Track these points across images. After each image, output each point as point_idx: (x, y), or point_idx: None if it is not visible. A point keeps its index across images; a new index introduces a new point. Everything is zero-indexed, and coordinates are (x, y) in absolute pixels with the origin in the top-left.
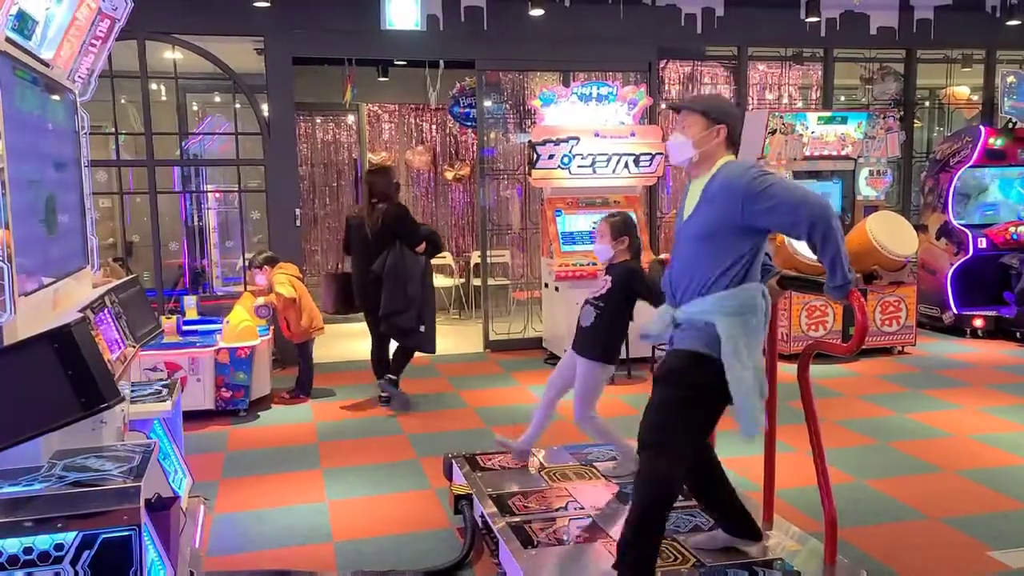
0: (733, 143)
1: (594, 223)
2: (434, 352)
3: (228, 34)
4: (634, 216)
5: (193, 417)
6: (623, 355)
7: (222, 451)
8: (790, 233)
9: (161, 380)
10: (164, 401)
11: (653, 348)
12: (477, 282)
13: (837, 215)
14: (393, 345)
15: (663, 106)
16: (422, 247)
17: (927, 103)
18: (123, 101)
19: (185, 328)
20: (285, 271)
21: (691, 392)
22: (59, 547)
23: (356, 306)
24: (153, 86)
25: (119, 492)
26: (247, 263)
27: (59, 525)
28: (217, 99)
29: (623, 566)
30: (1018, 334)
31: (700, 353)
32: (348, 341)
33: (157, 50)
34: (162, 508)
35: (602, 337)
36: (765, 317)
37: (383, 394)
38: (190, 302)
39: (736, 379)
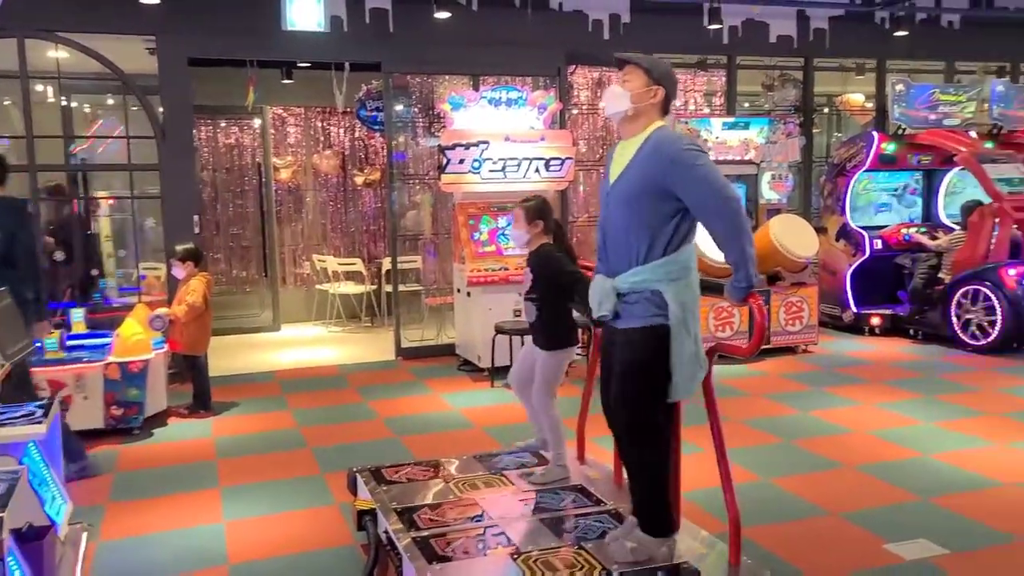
0: (666, 110)
1: (503, 231)
2: None
3: (116, 32)
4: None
5: (82, 437)
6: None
7: (111, 472)
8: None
9: (37, 400)
10: (39, 423)
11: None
12: (389, 288)
13: (748, 220)
14: None
15: (574, 111)
16: None
17: (825, 109)
18: (6, 103)
19: (71, 343)
20: (203, 279)
21: (657, 368)
22: None
23: None
24: (39, 87)
25: None
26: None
27: None
28: (110, 101)
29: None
30: (911, 331)
31: (654, 326)
32: (249, 352)
33: (40, 48)
34: (35, 538)
35: (551, 327)
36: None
37: None
38: (77, 315)
39: (679, 348)
